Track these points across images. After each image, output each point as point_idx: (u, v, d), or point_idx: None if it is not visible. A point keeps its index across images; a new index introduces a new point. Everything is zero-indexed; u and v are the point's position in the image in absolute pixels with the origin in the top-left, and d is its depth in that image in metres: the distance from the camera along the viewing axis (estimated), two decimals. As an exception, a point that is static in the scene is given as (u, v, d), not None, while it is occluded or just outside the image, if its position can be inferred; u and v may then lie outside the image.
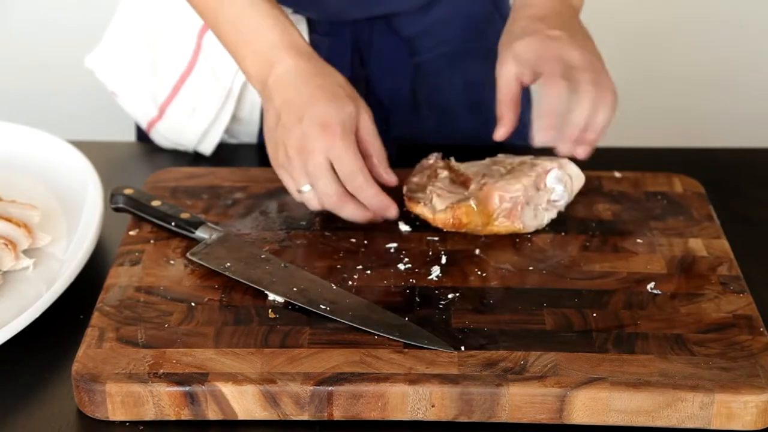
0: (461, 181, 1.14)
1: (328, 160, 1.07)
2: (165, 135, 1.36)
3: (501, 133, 1.11)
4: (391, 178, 1.12)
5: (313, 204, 1.11)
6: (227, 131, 1.37)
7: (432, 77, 1.34)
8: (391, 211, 1.11)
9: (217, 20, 1.13)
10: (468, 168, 1.15)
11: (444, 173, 1.14)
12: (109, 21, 1.38)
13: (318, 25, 1.30)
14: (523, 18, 1.13)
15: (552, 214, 1.13)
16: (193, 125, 1.33)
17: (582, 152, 1.09)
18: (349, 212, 1.10)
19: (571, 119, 1.06)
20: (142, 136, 1.41)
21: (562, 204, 1.13)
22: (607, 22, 2.47)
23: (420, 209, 1.11)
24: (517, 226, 1.11)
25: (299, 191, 1.10)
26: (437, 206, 1.10)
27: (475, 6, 1.33)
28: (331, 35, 1.30)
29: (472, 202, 1.09)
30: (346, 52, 1.30)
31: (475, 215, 1.09)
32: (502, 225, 1.11)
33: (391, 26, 1.31)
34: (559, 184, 1.12)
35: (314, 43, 1.30)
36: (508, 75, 1.10)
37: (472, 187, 1.11)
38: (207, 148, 1.35)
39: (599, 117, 1.06)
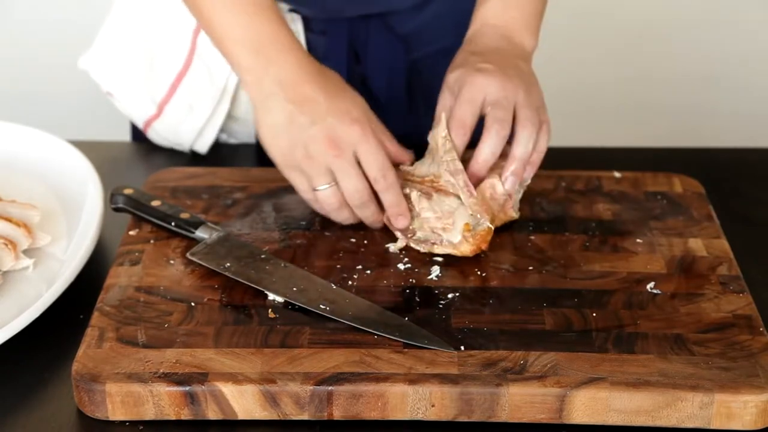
0: (433, 188, 1.10)
1: (356, 156, 1.06)
2: (162, 134, 1.36)
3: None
4: (406, 155, 1.12)
5: (330, 202, 1.08)
6: (226, 130, 1.37)
7: (427, 74, 1.35)
8: (404, 220, 1.09)
9: (205, 12, 1.10)
10: (420, 167, 1.12)
11: (409, 191, 1.10)
12: (102, 22, 1.38)
13: (313, 23, 1.30)
14: (465, 51, 1.15)
15: (520, 195, 1.13)
16: (190, 123, 1.33)
17: (528, 173, 1.10)
18: (369, 214, 1.09)
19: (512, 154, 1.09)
20: (138, 135, 1.41)
21: (527, 183, 1.13)
22: (607, 22, 2.48)
23: (439, 249, 1.08)
24: (512, 214, 1.11)
25: (315, 190, 1.08)
26: (452, 239, 1.07)
27: (467, 2, 1.33)
28: (327, 34, 1.30)
29: (487, 223, 1.07)
30: (342, 50, 1.30)
31: (492, 227, 1.08)
32: (500, 219, 1.11)
33: (387, 24, 1.31)
34: None
35: (310, 42, 1.30)
36: (445, 99, 1.13)
37: (464, 197, 1.08)
38: (202, 146, 1.35)
39: (524, 146, 1.08)
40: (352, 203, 1.08)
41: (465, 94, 1.09)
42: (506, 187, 1.09)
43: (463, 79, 1.10)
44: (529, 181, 1.13)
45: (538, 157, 1.10)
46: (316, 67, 1.09)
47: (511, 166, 1.09)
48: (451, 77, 1.13)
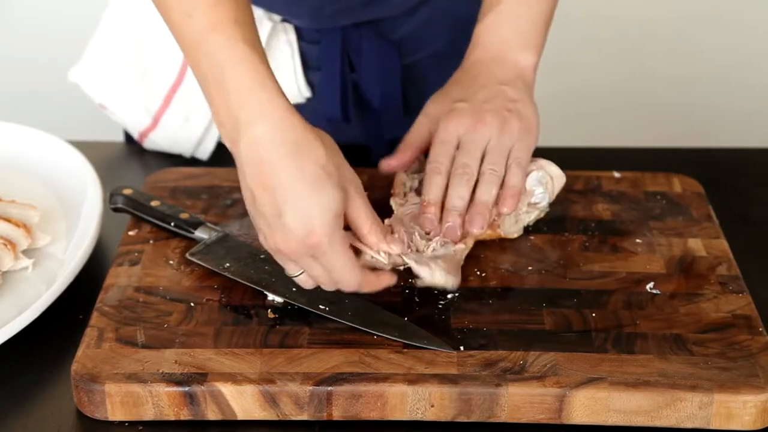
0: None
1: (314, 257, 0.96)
2: (160, 144, 1.35)
3: (388, 166, 1.12)
4: (393, 248, 0.99)
5: (307, 284, 0.99)
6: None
7: (421, 78, 1.35)
8: (386, 280, 1.00)
9: (197, 54, 0.97)
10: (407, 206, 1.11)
11: (413, 197, 1.10)
12: (92, 35, 1.38)
13: (306, 33, 1.30)
14: (453, 79, 1.15)
15: (532, 216, 1.12)
16: (187, 134, 1.33)
17: (508, 208, 1.08)
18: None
19: (474, 199, 1.07)
20: (131, 139, 1.41)
21: (543, 205, 1.12)
22: (607, 22, 2.48)
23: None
24: (498, 232, 1.10)
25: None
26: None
27: (460, 6, 1.33)
28: (320, 43, 1.30)
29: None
30: (336, 58, 1.30)
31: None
32: (487, 235, 1.10)
33: (379, 31, 1.31)
34: (539, 186, 1.10)
35: (304, 52, 1.30)
36: (421, 125, 1.12)
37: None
38: (203, 154, 1.34)
39: (485, 192, 1.06)
40: (325, 288, 0.99)
41: (440, 135, 1.09)
42: (473, 230, 1.05)
43: (438, 120, 1.10)
44: (519, 209, 1.10)
45: (511, 192, 1.07)
46: (292, 139, 0.92)
47: (474, 209, 1.06)
48: (431, 108, 1.12)
